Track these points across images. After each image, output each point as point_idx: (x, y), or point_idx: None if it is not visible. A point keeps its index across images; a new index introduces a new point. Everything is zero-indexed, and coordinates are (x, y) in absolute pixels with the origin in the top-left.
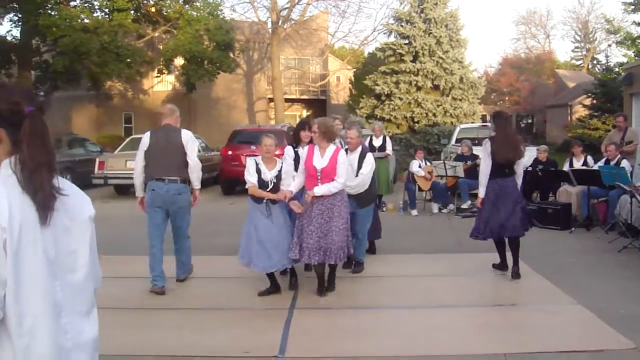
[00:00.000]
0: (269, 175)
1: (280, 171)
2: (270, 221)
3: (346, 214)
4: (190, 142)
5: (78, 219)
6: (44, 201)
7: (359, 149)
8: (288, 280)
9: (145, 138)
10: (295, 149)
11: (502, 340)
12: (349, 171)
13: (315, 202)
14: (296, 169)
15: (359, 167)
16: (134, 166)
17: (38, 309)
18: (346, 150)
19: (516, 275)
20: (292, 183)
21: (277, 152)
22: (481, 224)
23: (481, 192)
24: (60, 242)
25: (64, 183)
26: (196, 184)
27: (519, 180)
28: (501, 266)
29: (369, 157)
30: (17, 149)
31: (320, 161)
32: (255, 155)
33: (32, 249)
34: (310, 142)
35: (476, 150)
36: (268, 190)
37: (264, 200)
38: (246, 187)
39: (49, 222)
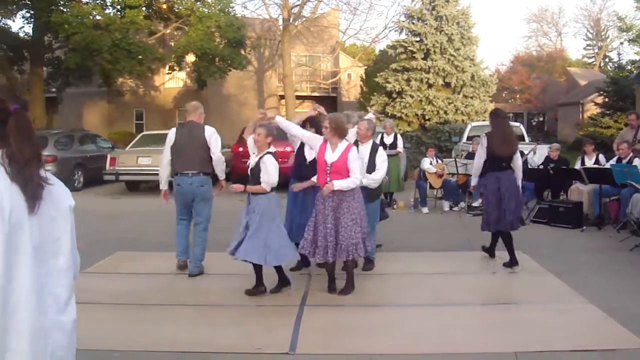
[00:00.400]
0: (252, 163)
1: (261, 158)
2: (246, 210)
3: (356, 209)
4: (213, 137)
5: (62, 208)
6: (33, 191)
7: (370, 142)
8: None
9: (171, 133)
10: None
11: (513, 338)
12: (359, 163)
13: (327, 200)
14: (297, 160)
15: (371, 160)
16: (160, 159)
17: (23, 292)
18: (356, 143)
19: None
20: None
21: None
22: (492, 217)
23: (474, 181)
24: (46, 230)
25: (47, 174)
26: (221, 175)
27: (519, 173)
28: (511, 263)
29: (382, 152)
30: (4, 144)
31: (331, 155)
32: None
33: (20, 235)
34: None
35: None
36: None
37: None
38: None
39: (36, 210)
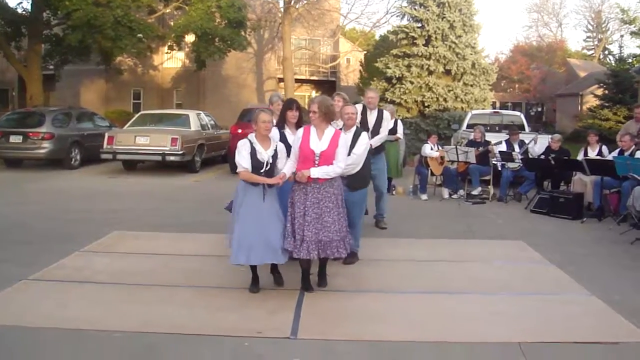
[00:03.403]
0: (265, 155)
1: (276, 150)
2: (264, 206)
3: (341, 201)
4: None
5: None
6: None
7: (354, 128)
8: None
9: None
10: (282, 130)
11: (516, 328)
12: (344, 151)
13: (309, 189)
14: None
15: (351, 146)
16: None
17: None
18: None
19: None
20: (283, 166)
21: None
22: None
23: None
24: None
25: None
26: None
27: None
28: None
29: (364, 137)
30: None
31: (318, 144)
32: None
33: None
34: (298, 122)
35: (489, 136)
36: (263, 171)
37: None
38: (236, 171)
39: None
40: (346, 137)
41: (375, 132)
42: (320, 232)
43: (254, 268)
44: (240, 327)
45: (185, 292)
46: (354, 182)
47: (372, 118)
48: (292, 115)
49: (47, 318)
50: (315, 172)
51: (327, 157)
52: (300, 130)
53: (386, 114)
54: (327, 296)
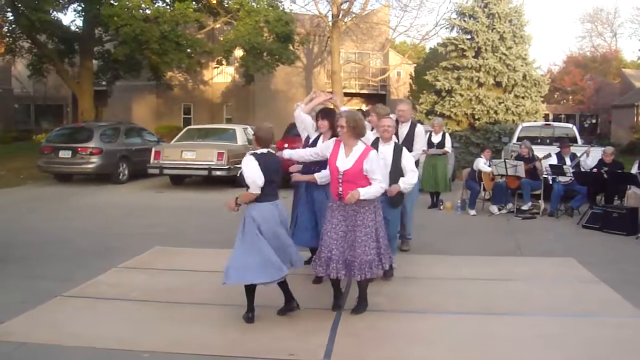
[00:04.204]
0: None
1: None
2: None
3: (371, 221)
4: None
5: None
6: None
7: (392, 142)
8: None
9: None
10: (317, 139)
11: (563, 353)
12: (381, 167)
13: (335, 207)
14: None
15: (395, 163)
16: None
17: None
18: (376, 141)
19: None
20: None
21: None
22: None
23: None
24: None
25: None
26: None
27: None
28: None
29: (407, 152)
30: None
31: (344, 161)
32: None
33: None
34: (334, 131)
35: (537, 150)
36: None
37: None
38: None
39: None
40: (383, 149)
41: (405, 146)
42: (346, 252)
43: (284, 288)
44: (272, 348)
45: (219, 310)
46: (394, 198)
47: (402, 132)
48: (321, 124)
49: (78, 336)
50: (364, 193)
51: (350, 176)
52: (332, 142)
53: (419, 129)
54: (365, 316)
